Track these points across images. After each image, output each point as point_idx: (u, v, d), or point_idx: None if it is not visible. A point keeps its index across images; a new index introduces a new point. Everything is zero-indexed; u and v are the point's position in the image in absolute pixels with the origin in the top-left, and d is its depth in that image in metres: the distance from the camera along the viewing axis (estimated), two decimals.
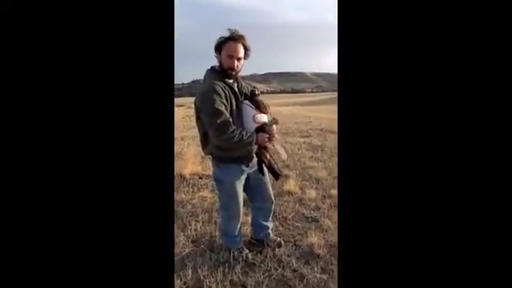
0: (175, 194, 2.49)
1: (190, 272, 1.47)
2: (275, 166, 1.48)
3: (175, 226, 1.94)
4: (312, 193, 2.48)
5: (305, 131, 6.04)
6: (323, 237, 1.77)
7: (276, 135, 1.43)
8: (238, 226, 1.56)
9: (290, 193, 2.51)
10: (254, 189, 1.54)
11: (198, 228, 1.90)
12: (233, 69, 1.29)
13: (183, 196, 2.44)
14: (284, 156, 1.53)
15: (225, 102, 1.25)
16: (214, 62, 1.35)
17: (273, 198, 1.63)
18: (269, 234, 1.68)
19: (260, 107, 1.39)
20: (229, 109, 1.27)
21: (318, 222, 2.00)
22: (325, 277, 1.43)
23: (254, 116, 1.36)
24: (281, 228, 1.93)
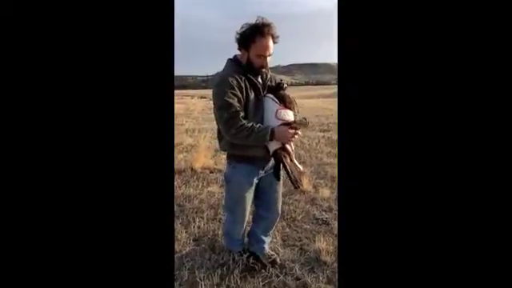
0: (184, 187, 2.45)
1: (187, 273, 1.41)
2: (295, 173, 1.22)
3: (179, 222, 1.89)
4: (326, 192, 2.33)
5: (325, 125, 5.80)
6: (332, 242, 1.63)
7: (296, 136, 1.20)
8: (242, 231, 1.44)
9: (301, 191, 2.37)
10: (261, 194, 1.37)
11: (202, 225, 1.84)
12: (264, 67, 1.18)
13: (191, 190, 2.39)
14: (301, 169, 1.28)
15: (239, 94, 1.11)
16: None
17: (279, 210, 1.47)
18: (264, 248, 1.48)
19: (285, 102, 1.20)
20: (244, 102, 1.14)
21: (328, 225, 1.86)
22: None
23: (276, 111, 1.17)
24: (288, 229, 1.82)
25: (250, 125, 1.11)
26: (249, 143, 1.13)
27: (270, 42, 1.13)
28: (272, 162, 1.28)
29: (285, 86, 1.25)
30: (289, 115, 1.20)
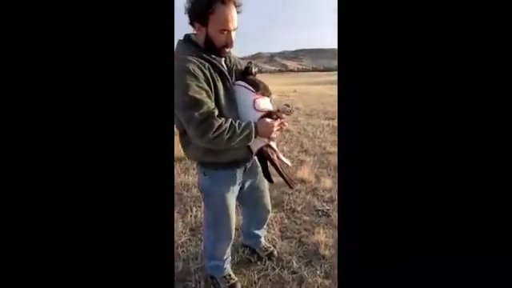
0: (183, 175, 2.41)
1: (181, 264, 1.38)
2: (286, 170, 1.07)
3: (176, 211, 1.86)
4: (328, 182, 2.26)
5: (330, 113, 5.66)
6: (332, 235, 1.58)
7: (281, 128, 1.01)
8: (228, 249, 1.21)
9: (303, 181, 2.31)
10: (247, 195, 1.18)
11: (199, 215, 1.80)
12: (229, 45, 0.91)
13: (190, 179, 2.35)
14: (289, 164, 1.09)
15: (205, 86, 0.86)
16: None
17: (269, 206, 1.31)
18: (260, 242, 1.42)
19: (259, 89, 0.98)
20: (213, 95, 0.89)
21: (329, 216, 1.80)
22: (327, 283, 1.26)
23: (254, 101, 0.95)
24: (286, 221, 1.77)
25: (228, 124, 0.87)
26: (230, 147, 0.90)
27: (234, 12, 0.87)
28: (254, 160, 1.09)
29: (254, 69, 1.04)
30: (268, 104, 1.00)
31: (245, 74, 1.03)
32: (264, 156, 1.02)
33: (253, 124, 0.93)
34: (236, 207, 1.16)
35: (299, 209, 1.90)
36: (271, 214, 1.79)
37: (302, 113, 5.70)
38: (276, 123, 0.98)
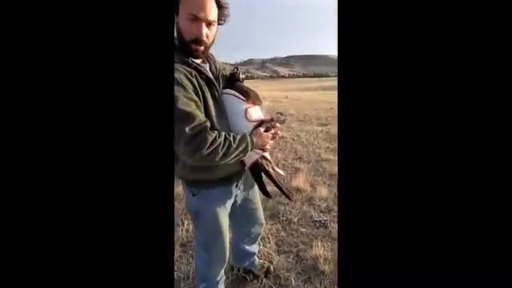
0: (175, 186, 2.31)
1: None
2: (282, 183, 0.98)
3: None
4: (323, 191, 2.20)
5: (323, 119, 5.65)
6: (331, 248, 1.51)
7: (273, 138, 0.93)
8: (222, 271, 1.12)
9: (298, 190, 2.25)
10: (240, 210, 1.10)
11: (190, 229, 1.70)
12: (199, 40, 0.78)
13: (180, 188, 2.25)
14: (284, 175, 1.04)
15: (194, 96, 0.76)
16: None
17: (263, 219, 1.23)
18: (254, 260, 1.33)
19: (250, 97, 0.90)
20: (203, 106, 0.79)
21: (326, 227, 1.73)
22: None
23: (245, 111, 0.88)
24: (283, 233, 1.69)
25: (222, 138, 0.78)
26: (224, 161, 0.80)
27: (211, 0, 0.77)
28: (245, 173, 1.01)
29: (242, 75, 0.95)
30: (259, 113, 0.93)
31: (231, 81, 0.94)
32: (259, 168, 0.94)
33: (248, 137, 0.85)
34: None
35: (295, 220, 1.83)
36: (267, 227, 1.72)
37: (294, 119, 5.66)
38: (270, 133, 0.91)
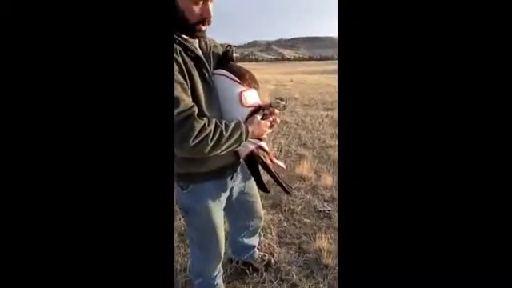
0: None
1: None
2: (280, 176, 0.88)
3: None
4: (328, 179, 2.11)
5: (329, 103, 5.48)
6: (335, 240, 1.44)
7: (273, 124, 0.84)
8: (219, 266, 1.05)
9: (302, 178, 2.17)
10: (237, 204, 1.01)
11: None
12: (207, 20, 0.71)
13: None
14: (284, 167, 0.91)
15: (179, 77, 0.67)
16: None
17: (262, 213, 1.14)
18: (254, 253, 1.24)
19: (245, 79, 0.79)
20: (189, 89, 0.70)
21: (330, 218, 1.66)
22: None
23: (240, 95, 0.77)
24: (285, 224, 1.63)
25: (213, 126, 0.69)
26: (216, 152, 0.72)
27: None
28: (241, 165, 0.91)
29: (235, 53, 0.83)
30: (255, 97, 0.82)
31: (224, 60, 0.83)
32: (255, 160, 0.84)
33: (243, 125, 0.75)
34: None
35: (298, 209, 1.76)
36: (268, 217, 1.65)
37: (299, 103, 5.50)
38: (267, 121, 0.81)
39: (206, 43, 0.81)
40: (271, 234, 1.53)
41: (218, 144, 0.70)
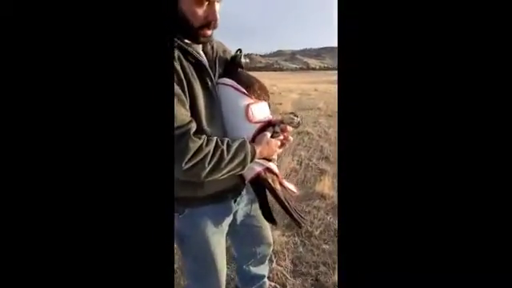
0: None
1: None
2: (292, 203, 0.73)
3: None
4: None
5: None
6: None
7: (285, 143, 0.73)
8: None
9: (322, 196, 1.98)
10: (242, 229, 0.88)
11: None
12: (212, 24, 0.62)
13: None
14: (296, 192, 0.75)
15: (176, 89, 0.58)
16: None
17: (271, 239, 0.99)
18: (263, 284, 1.08)
19: (254, 90, 0.69)
20: (188, 100, 0.60)
21: None
22: None
23: (247, 109, 0.66)
24: (301, 249, 1.45)
25: (212, 146, 0.60)
26: (216, 176, 0.62)
27: None
28: (246, 186, 0.78)
29: (244, 59, 0.72)
30: (265, 111, 0.71)
31: (231, 67, 0.72)
32: (264, 184, 0.70)
33: (248, 145, 0.64)
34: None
35: (317, 233, 1.58)
36: (282, 239, 1.49)
37: (322, 113, 5.30)
38: (277, 140, 0.69)
39: (212, 47, 0.71)
40: (285, 260, 1.37)
41: (217, 168, 0.60)
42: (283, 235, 1.54)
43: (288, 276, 1.27)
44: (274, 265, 1.31)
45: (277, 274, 1.27)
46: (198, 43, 0.65)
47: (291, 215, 0.72)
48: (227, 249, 0.85)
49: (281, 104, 6.23)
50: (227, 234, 0.84)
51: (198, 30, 0.61)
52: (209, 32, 0.63)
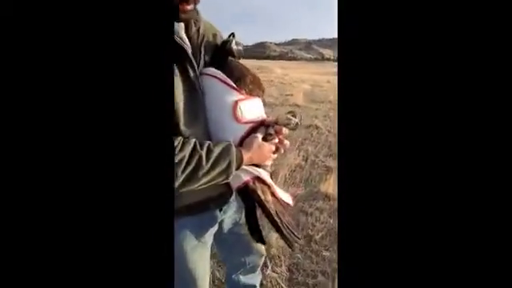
0: None
1: None
2: (285, 219, 0.61)
3: None
4: None
5: None
6: None
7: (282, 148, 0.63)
8: None
9: (326, 196, 1.87)
10: (230, 238, 0.80)
11: None
12: None
13: None
14: (291, 204, 0.66)
15: None
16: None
17: (263, 248, 0.88)
18: None
19: (245, 83, 0.58)
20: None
21: None
22: None
23: (234, 106, 0.56)
24: (299, 255, 1.35)
25: (187, 151, 0.51)
26: (192, 189, 0.53)
27: None
28: (234, 194, 0.69)
29: (236, 46, 0.59)
30: (258, 109, 0.60)
31: (220, 55, 0.60)
32: (252, 195, 0.60)
33: (234, 149, 0.54)
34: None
35: (318, 237, 1.48)
36: (279, 243, 1.40)
37: (333, 106, 5.11)
38: (271, 144, 0.59)
39: (198, 30, 0.60)
40: (281, 266, 1.27)
41: (192, 177, 0.52)
42: (280, 238, 1.45)
43: (283, 285, 1.18)
44: (269, 271, 1.22)
45: (271, 282, 1.18)
46: (178, 21, 0.54)
47: (282, 233, 0.61)
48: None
49: (292, 95, 6.04)
50: (214, 243, 0.76)
51: (175, 4, 0.50)
52: (188, 7, 0.51)
